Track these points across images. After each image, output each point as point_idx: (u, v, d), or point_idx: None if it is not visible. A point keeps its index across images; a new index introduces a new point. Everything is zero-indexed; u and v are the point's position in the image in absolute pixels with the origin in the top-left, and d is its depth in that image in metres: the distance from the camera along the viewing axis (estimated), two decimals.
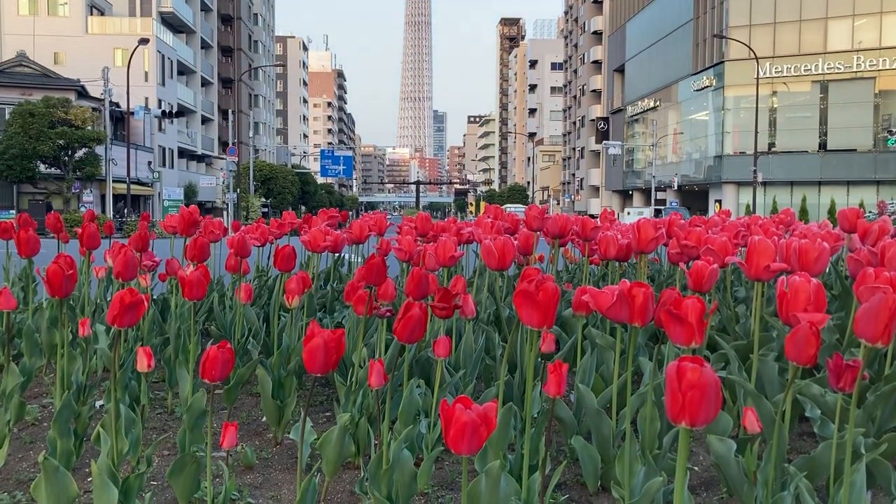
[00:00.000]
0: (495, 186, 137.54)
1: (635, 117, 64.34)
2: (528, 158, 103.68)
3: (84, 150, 34.91)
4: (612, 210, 5.86)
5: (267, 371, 3.18)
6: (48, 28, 49.48)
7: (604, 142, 64.82)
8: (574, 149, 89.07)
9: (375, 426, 2.70)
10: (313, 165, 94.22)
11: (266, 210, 54.27)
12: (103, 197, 38.42)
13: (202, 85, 65.57)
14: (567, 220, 4.06)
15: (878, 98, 44.73)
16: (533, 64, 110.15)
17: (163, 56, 52.84)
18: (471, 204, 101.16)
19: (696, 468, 2.85)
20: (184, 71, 59.88)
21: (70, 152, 34.50)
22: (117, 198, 40.36)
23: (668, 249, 3.78)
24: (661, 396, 2.58)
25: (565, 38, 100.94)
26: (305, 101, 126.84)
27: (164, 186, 45.47)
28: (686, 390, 1.21)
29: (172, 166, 53.97)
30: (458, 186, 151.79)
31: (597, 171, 77.11)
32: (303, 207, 66.70)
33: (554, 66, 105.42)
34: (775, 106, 47.48)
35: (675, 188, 52.94)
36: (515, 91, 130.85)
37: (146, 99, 48.53)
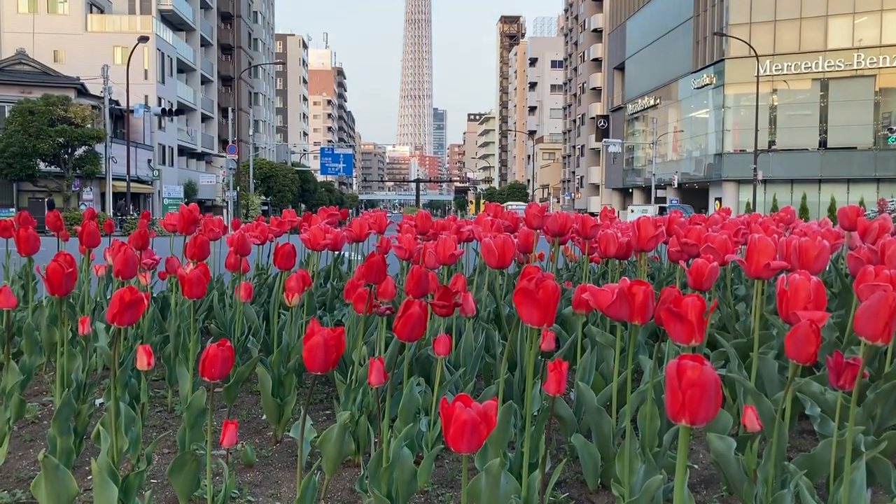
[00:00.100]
0: (495, 184, 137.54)
1: (635, 115, 64.32)
2: (529, 156, 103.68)
3: (84, 148, 34.90)
4: (613, 208, 5.86)
5: (267, 369, 3.18)
6: (48, 26, 49.45)
7: (604, 140, 64.78)
8: (574, 147, 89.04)
9: (375, 424, 2.70)
10: (313, 163, 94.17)
11: (266, 208, 54.27)
12: (103, 195, 38.41)
13: (202, 83, 65.54)
14: (567, 218, 4.06)
15: (879, 96, 44.71)
16: (533, 62, 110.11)
17: (162, 54, 52.81)
18: (471, 202, 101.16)
19: (696, 466, 2.85)
20: (183, 69, 59.85)
21: (70, 150, 34.49)
22: (117, 196, 40.35)
23: (669, 247, 3.78)
24: (661, 394, 2.58)
25: (565, 35, 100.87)
26: (305, 99, 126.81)
27: (164, 184, 45.47)
28: (686, 388, 1.21)
29: (172, 164, 53.96)
30: (458, 184, 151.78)
31: (597, 169, 77.09)
32: (303, 205, 66.72)
33: (554, 64, 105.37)
34: (775, 104, 47.47)
35: (676, 186, 52.93)
36: (515, 89, 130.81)
37: (146, 97, 48.52)
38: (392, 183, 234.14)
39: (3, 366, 3.10)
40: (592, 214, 5.24)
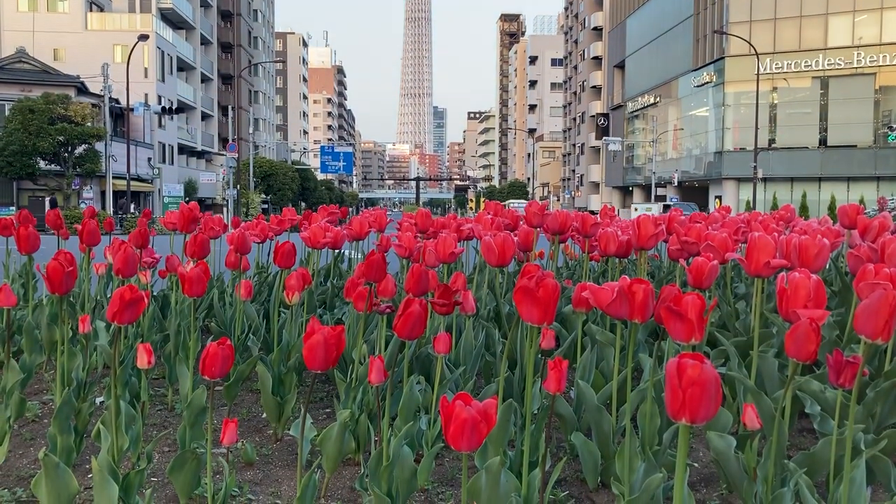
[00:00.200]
0: (495, 183, 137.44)
1: (635, 113, 64.29)
2: (529, 155, 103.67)
3: (84, 146, 34.89)
4: (613, 206, 5.86)
5: (267, 368, 3.18)
6: (48, 24, 49.42)
7: (604, 138, 64.75)
8: (574, 145, 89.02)
9: (375, 423, 2.71)
10: (313, 162, 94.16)
11: (266, 206, 54.27)
12: (103, 193, 38.41)
13: (202, 81, 65.51)
14: (567, 216, 4.06)
15: (879, 94, 44.69)
16: (533, 60, 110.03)
17: (162, 52, 52.79)
18: (471, 200, 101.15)
19: (695, 464, 2.86)
20: (183, 67, 59.82)
21: (70, 149, 34.47)
22: (117, 194, 40.34)
23: (669, 246, 3.78)
24: (661, 393, 2.58)
25: (565, 34, 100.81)
26: (305, 98, 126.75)
27: (164, 183, 45.46)
28: (686, 387, 1.21)
29: (172, 163, 53.95)
30: (458, 183, 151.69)
31: (597, 168, 77.07)
32: (303, 204, 66.74)
33: (554, 63, 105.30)
34: (775, 102, 47.44)
35: (676, 184, 52.92)
36: (515, 87, 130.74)
37: (146, 95, 48.51)
38: (392, 181, 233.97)
39: (4, 364, 3.10)
40: (593, 213, 5.24)
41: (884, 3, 43.47)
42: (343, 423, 2.43)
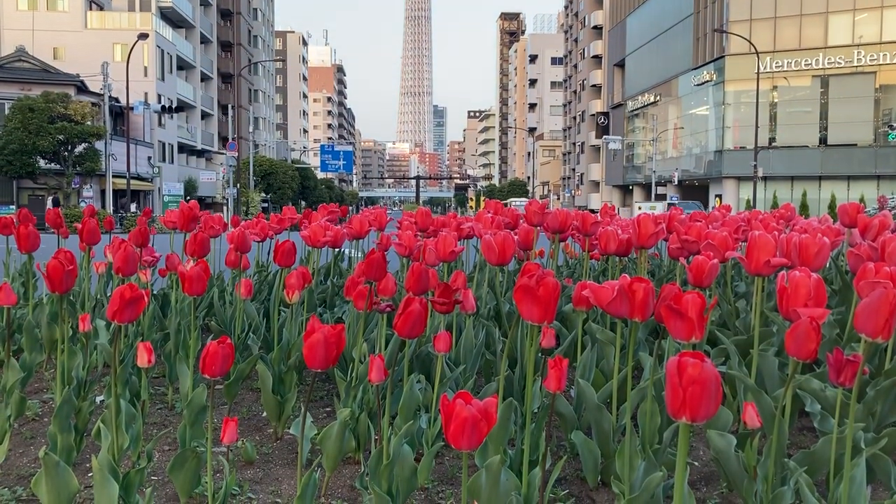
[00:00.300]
0: (495, 181, 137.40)
1: (635, 112, 64.27)
2: (529, 153, 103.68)
3: (84, 145, 34.90)
4: (613, 205, 5.86)
5: (267, 366, 3.18)
6: (47, 23, 49.41)
7: (604, 137, 64.74)
8: (574, 144, 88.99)
9: (376, 421, 2.71)
10: (313, 160, 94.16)
11: (266, 205, 54.26)
12: (103, 192, 38.41)
13: (202, 80, 65.50)
14: (567, 215, 4.06)
15: (879, 93, 44.68)
16: (533, 59, 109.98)
17: (162, 51, 52.77)
18: (471, 199, 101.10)
19: (696, 463, 2.86)
20: (183, 66, 59.80)
21: (70, 147, 34.48)
22: (117, 193, 40.34)
23: (669, 244, 3.78)
24: (662, 391, 2.58)
25: (565, 32, 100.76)
26: (305, 97, 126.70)
27: (164, 181, 45.46)
28: (686, 385, 1.21)
29: (172, 161, 53.95)
30: (458, 181, 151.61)
31: (597, 166, 77.04)
32: (303, 202, 66.75)
33: (554, 61, 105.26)
34: (776, 100, 47.43)
35: (676, 183, 52.93)
36: (515, 86, 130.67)
37: (146, 94, 48.51)
38: (392, 180, 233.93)
39: (4, 363, 3.10)
40: (593, 211, 5.24)
41: (884, 1, 43.45)
42: (343, 421, 2.43)
